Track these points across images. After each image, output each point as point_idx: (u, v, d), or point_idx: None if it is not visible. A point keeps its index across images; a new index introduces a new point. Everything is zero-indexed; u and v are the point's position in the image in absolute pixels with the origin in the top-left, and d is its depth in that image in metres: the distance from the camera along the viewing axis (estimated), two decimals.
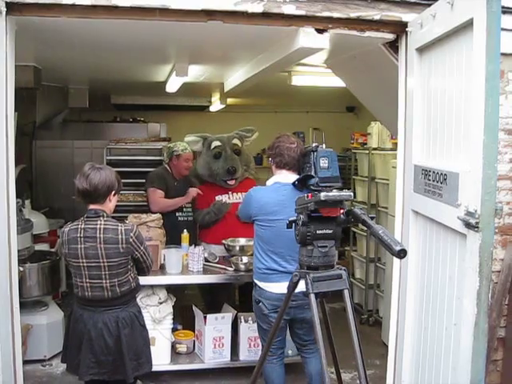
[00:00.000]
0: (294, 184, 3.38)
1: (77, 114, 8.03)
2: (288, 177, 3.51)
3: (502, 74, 3.00)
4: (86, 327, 3.08)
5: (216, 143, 5.24)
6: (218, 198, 5.22)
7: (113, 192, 3.12)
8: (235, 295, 5.62)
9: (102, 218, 3.08)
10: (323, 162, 2.88)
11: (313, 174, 2.92)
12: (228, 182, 5.20)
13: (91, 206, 3.11)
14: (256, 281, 3.64)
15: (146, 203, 5.59)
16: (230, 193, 5.24)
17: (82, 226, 3.08)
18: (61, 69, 5.34)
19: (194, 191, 5.22)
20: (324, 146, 2.96)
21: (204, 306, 5.27)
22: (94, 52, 4.33)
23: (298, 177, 3.40)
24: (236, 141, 5.29)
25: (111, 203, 3.16)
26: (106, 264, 3.05)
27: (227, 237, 4.94)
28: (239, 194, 5.20)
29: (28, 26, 3.14)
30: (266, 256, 3.53)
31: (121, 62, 4.91)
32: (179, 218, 5.27)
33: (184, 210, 5.32)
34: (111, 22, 3.11)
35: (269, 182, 3.66)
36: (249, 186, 5.25)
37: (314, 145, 3.00)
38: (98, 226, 3.05)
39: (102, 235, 3.04)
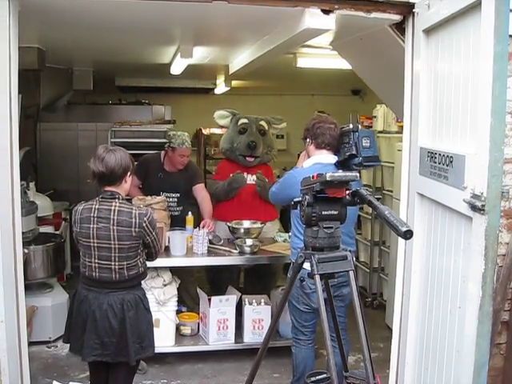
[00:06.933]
0: (335, 164, 3.35)
1: (81, 96, 8.01)
2: (328, 157, 3.50)
3: (509, 56, 2.96)
4: (91, 308, 3.07)
5: (244, 120, 5.33)
6: None
7: (128, 173, 3.12)
8: (239, 278, 5.62)
9: (117, 200, 3.07)
10: (365, 142, 2.87)
11: (355, 153, 2.90)
12: (247, 158, 5.22)
13: (107, 188, 3.10)
14: None
15: None
16: (246, 173, 5.23)
17: (97, 206, 3.07)
18: (65, 50, 5.31)
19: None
20: (360, 126, 2.95)
21: (209, 288, 5.30)
22: (98, 33, 4.30)
23: (336, 157, 3.38)
24: (263, 122, 5.37)
25: (127, 184, 3.15)
26: (116, 246, 3.04)
27: (238, 216, 4.96)
28: (254, 176, 5.21)
29: (31, 7, 3.11)
30: None
31: (125, 43, 4.88)
32: None
33: (169, 204, 4.94)
34: (116, 2, 3.09)
35: (307, 163, 3.61)
36: (265, 171, 5.29)
37: (351, 125, 2.98)
38: (113, 208, 3.05)
39: (115, 217, 3.03)
